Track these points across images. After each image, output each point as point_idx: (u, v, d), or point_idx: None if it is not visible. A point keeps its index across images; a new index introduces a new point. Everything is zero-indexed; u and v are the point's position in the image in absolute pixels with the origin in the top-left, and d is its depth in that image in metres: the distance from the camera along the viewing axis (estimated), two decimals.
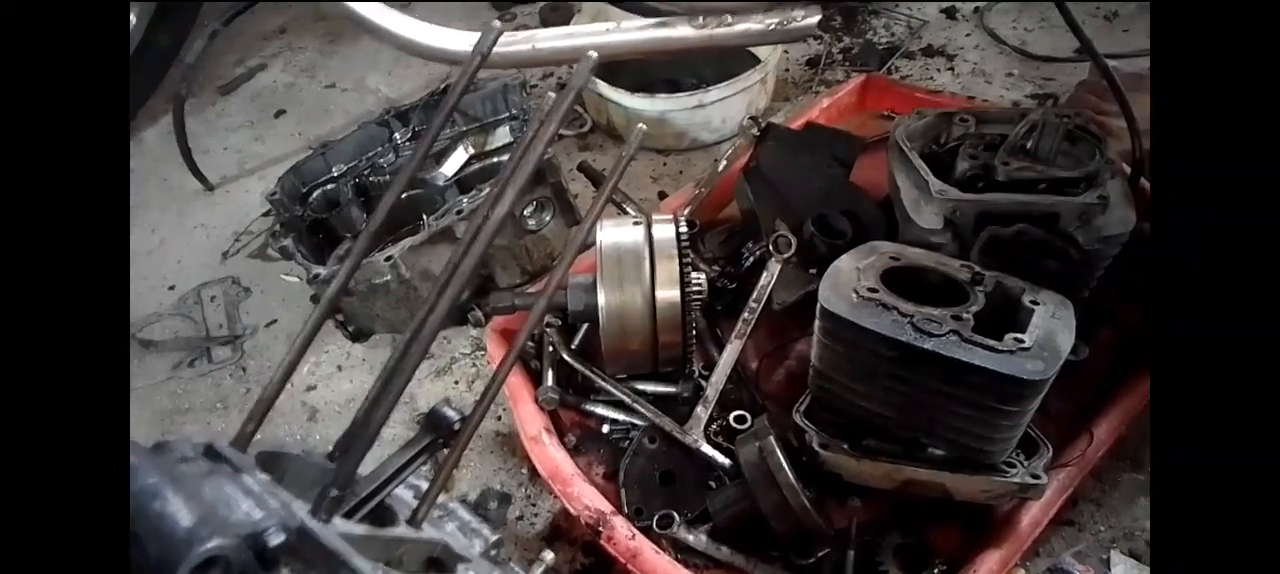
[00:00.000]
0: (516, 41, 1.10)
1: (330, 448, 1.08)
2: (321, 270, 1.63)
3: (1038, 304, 1.22)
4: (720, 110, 2.11)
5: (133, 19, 2.30)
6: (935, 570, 1.23)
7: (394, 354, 0.92)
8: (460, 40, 1.10)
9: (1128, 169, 1.55)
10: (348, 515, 0.93)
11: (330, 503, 0.87)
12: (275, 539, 0.71)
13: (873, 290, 1.22)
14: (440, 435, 1.00)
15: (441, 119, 0.80)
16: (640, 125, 0.93)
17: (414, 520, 0.90)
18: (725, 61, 2.15)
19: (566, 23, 2.47)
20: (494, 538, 0.98)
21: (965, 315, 1.17)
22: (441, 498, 1.06)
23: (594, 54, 0.77)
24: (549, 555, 1.06)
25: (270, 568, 0.70)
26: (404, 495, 1.09)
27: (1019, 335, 1.14)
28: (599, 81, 2.10)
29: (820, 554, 1.28)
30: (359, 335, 1.83)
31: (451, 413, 1.01)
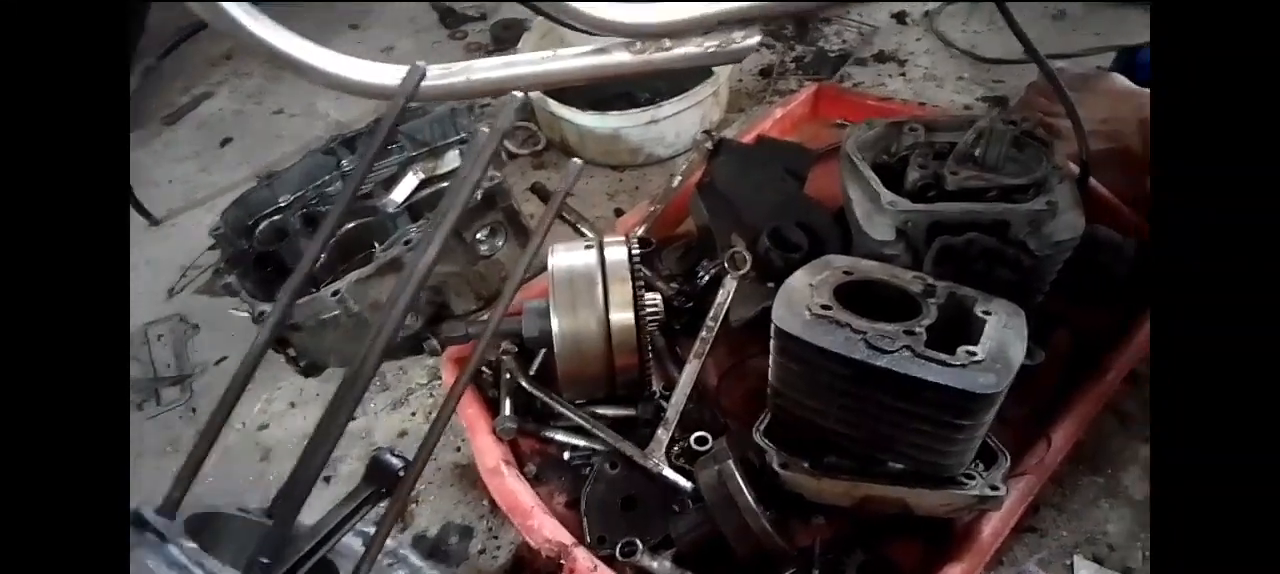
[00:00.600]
0: (452, 74, 1.08)
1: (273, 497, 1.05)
2: (268, 307, 1.57)
3: (990, 314, 1.21)
4: (673, 125, 2.10)
5: None
6: None
7: (326, 412, 0.90)
8: (389, 75, 1.08)
9: (1076, 170, 1.56)
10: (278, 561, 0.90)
11: (260, 570, 0.84)
12: None
13: (826, 307, 1.21)
14: (383, 484, 0.97)
15: (364, 165, 0.77)
16: (575, 160, 0.92)
17: None
18: (678, 76, 2.14)
19: (516, 41, 2.45)
20: None
21: (918, 330, 1.16)
22: (391, 543, 1.03)
23: (519, 94, 0.75)
24: None
25: None
26: (352, 543, 1.05)
27: (971, 348, 1.14)
28: (550, 100, 2.08)
29: None
30: (311, 369, 1.77)
31: (394, 460, 0.99)
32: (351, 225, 1.80)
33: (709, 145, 1.80)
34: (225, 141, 2.54)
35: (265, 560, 0.84)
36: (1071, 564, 1.31)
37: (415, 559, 1.02)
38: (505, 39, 2.57)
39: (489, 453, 1.43)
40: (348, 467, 1.65)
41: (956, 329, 1.22)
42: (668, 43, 1.09)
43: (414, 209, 1.85)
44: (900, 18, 2.57)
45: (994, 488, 1.19)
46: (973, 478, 1.21)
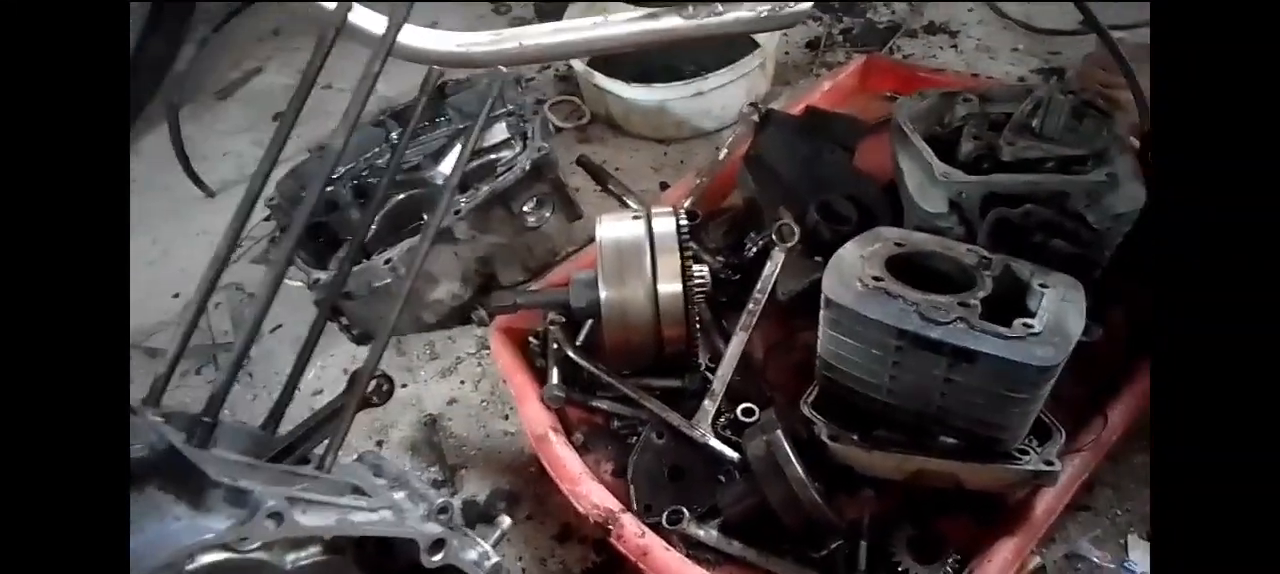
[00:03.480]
0: (504, 40, 1.08)
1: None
2: (322, 275, 1.62)
3: (1047, 287, 1.19)
4: (720, 97, 2.09)
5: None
6: (949, 561, 1.21)
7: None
8: (443, 40, 1.09)
9: (1137, 143, 1.52)
10: (275, 459, 1.00)
11: (202, 430, 0.91)
12: (138, 454, 0.78)
13: (878, 279, 1.20)
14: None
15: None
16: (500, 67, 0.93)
17: (322, 466, 0.95)
18: (724, 48, 2.12)
19: (560, 15, 2.45)
20: (439, 501, 0.99)
21: (973, 302, 1.15)
22: (400, 472, 1.08)
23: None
24: (506, 520, 1.07)
25: (134, 482, 0.76)
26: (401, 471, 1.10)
27: (1028, 320, 1.12)
28: (596, 72, 2.08)
29: (832, 546, 1.27)
30: (363, 339, 1.82)
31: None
32: (401, 197, 1.83)
33: (756, 117, 1.79)
34: (276, 116, 2.58)
35: (208, 419, 0.92)
36: (1125, 544, 1.29)
37: (416, 482, 1.06)
38: (548, 12, 2.57)
39: (537, 420, 1.44)
40: (398, 432, 1.68)
41: (1012, 302, 1.20)
42: (720, 7, 1.08)
43: (462, 180, 1.87)
44: None
45: (1049, 463, 1.17)
46: (1027, 453, 1.20)
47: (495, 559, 1.00)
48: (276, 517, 0.76)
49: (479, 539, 1.02)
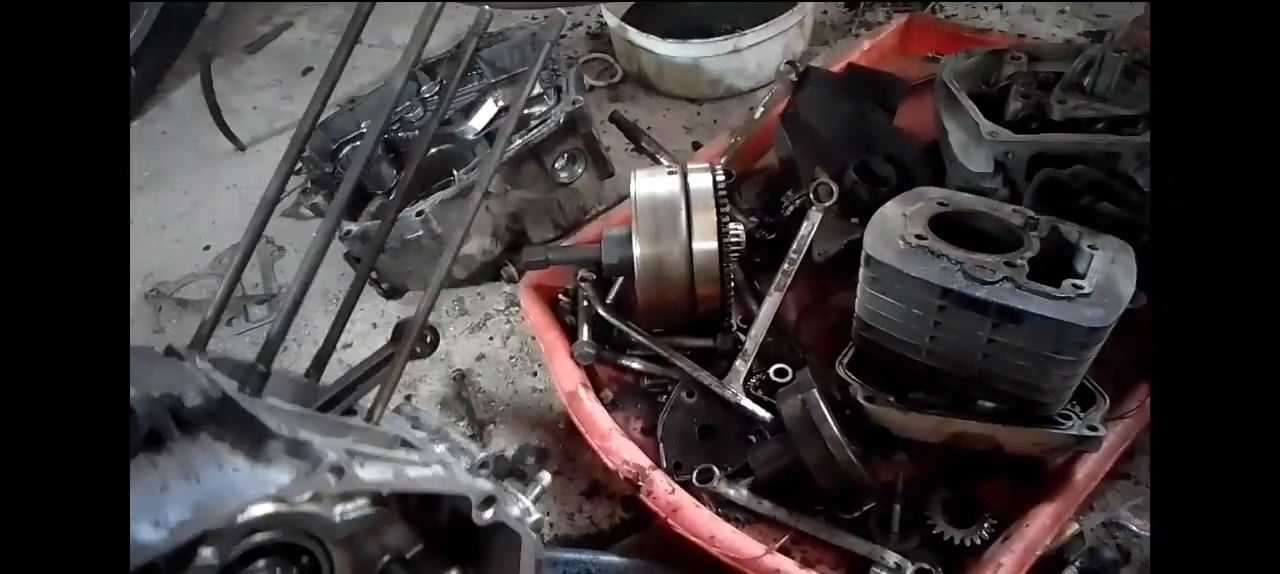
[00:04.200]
0: None
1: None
2: (353, 226, 1.61)
3: (1096, 249, 1.16)
4: (755, 55, 2.04)
5: None
6: (985, 525, 1.19)
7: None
8: None
9: None
10: (323, 408, 0.99)
11: (257, 378, 0.90)
12: (192, 402, 0.75)
13: (921, 237, 1.17)
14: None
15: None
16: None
17: (371, 419, 0.94)
18: (760, 5, 2.07)
19: None
20: (480, 456, 0.98)
21: (1019, 262, 1.12)
22: (439, 425, 1.07)
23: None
24: (546, 476, 1.06)
25: (187, 429, 0.74)
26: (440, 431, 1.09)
27: (1077, 281, 1.09)
28: (629, 29, 2.04)
29: (866, 508, 1.26)
30: (392, 293, 1.82)
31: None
32: (432, 152, 1.82)
33: (793, 76, 1.75)
34: (306, 70, 2.57)
35: (262, 368, 0.91)
36: None
37: (455, 435, 1.05)
38: None
39: (567, 377, 1.44)
40: (428, 387, 1.68)
41: (1059, 264, 1.17)
42: None
43: (492, 135, 1.85)
44: None
45: (1093, 428, 1.15)
46: (1069, 418, 1.17)
47: (536, 515, 1.00)
48: (337, 470, 0.73)
49: (520, 495, 1.01)
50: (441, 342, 1.78)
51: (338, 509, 0.84)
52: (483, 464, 0.96)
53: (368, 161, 1.81)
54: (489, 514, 0.87)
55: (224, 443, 0.75)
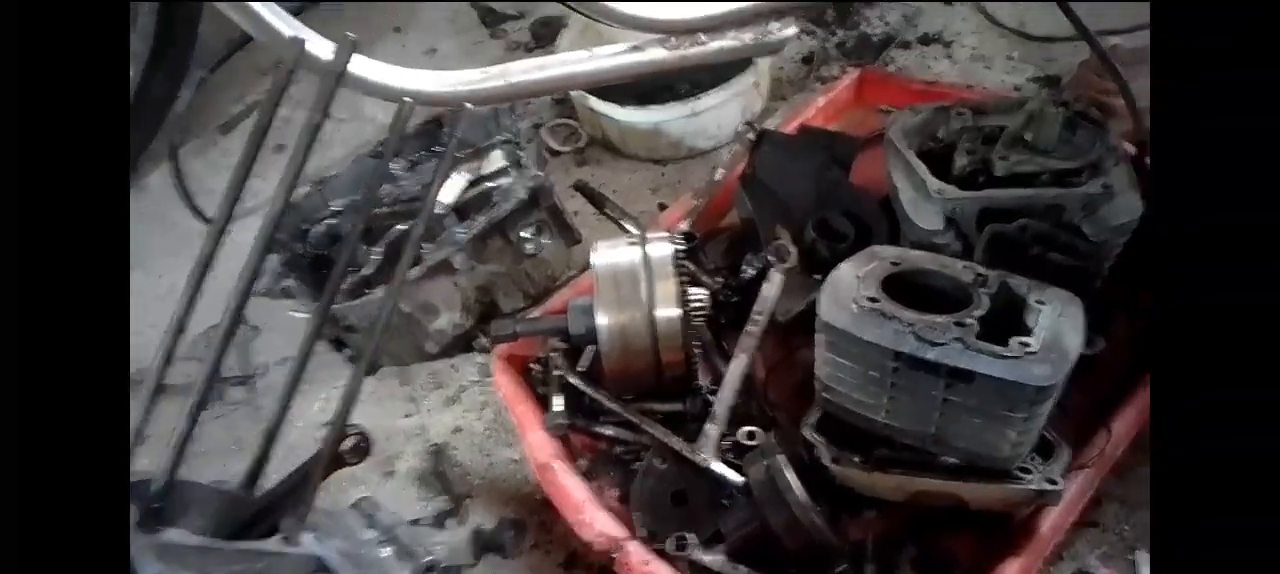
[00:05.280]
0: (491, 77, 1.09)
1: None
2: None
3: (1044, 304, 1.19)
4: (715, 117, 2.10)
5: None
6: None
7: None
8: (429, 81, 1.10)
9: (1132, 150, 1.51)
10: (245, 527, 0.96)
11: (153, 514, 0.89)
12: None
13: (873, 299, 1.20)
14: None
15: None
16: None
17: (290, 539, 0.91)
18: (719, 66, 2.12)
19: (554, 38, 2.46)
20: (426, 561, 0.97)
21: (969, 321, 1.14)
22: (392, 524, 1.06)
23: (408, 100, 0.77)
24: None
25: None
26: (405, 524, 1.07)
27: (1025, 339, 1.11)
28: (590, 97, 2.09)
29: (837, 570, 1.26)
30: (370, 369, 1.83)
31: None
32: (399, 227, 1.85)
33: (751, 137, 1.79)
34: (278, 148, 2.60)
35: (155, 504, 0.91)
36: (1134, 559, 1.28)
37: (405, 537, 1.03)
38: (544, 36, 2.59)
39: (541, 449, 1.45)
40: (405, 463, 1.69)
41: (1010, 320, 1.20)
42: (703, 38, 1.09)
43: (461, 210, 1.88)
44: None
45: (1052, 481, 1.17)
46: (1030, 472, 1.19)
47: None
48: None
49: None
50: (416, 416, 1.80)
51: None
52: (428, 568, 0.96)
53: (337, 239, 1.85)
54: None
55: None
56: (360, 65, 1.08)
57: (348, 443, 1.01)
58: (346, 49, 0.97)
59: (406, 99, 1.03)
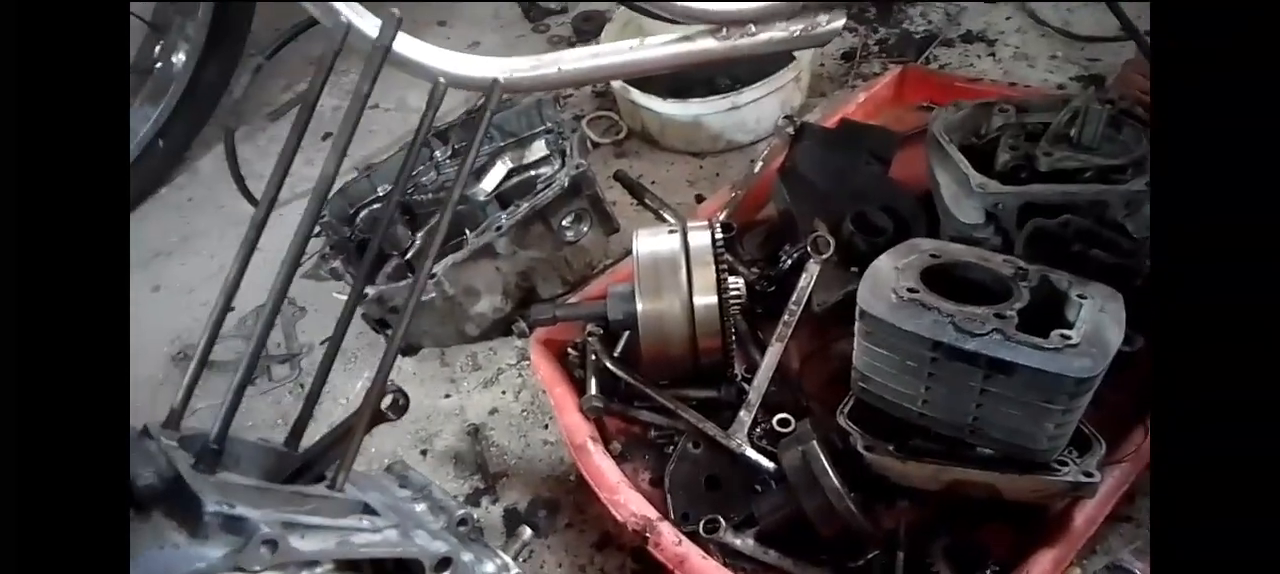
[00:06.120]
0: (542, 66, 1.12)
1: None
2: (371, 289, 1.68)
3: (1085, 298, 1.19)
4: (754, 111, 2.11)
5: (182, 56, 2.40)
6: (987, 571, 1.21)
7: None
8: (484, 66, 1.13)
9: None
10: (289, 480, 1.00)
11: (209, 456, 0.92)
12: (145, 482, 0.79)
13: (913, 290, 1.21)
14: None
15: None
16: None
17: (334, 485, 0.95)
18: (759, 61, 2.13)
19: (597, 32, 2.49)
20: (460, 513, 0.99)
21: (1009, 313, 1.15)
22: (425, 483, 1.09)
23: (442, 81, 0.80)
24: (526, 532, 1.08)
25: (142, 509, 0.77)
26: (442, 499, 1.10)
27: (1066, 331, 1.12)
28: (632, 89, 2.12)
29: (869, 556, 1.28)
30: (408, 350, 1.88)
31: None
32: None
33: (791, 130, 1.81)
34: (326, 136, 2.67)
35: (214, 446, 0.94)
36: None
37: (438, 493, 1.04)
38: (586, 31, 2.62)
39: (577, 430, 1.48)
40: (443, 441, 1.73)
41: (1049, 313, 1.20)
42: (753, 28, 1.11)
43: (503, 197, 1.93)
44: None
45: (1088, 475, 1.17)
46: (1065, 464, 1.19)
47: (515, 571, 1.01)
48: (271, 544, 0.77)
49: (499, 551, 1.03)
50: (455, 397, 1.84)
51: None
52: (461, 521, 0.98)
53: (386, 225, 1.90)
54: None
55: (171, 521, 0.79)
56: (417, 49, 1.12)
57: (387, 400, 1.04)
58: (393, 25, 1.01)
59: (441, 80, 1.07)
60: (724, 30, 1.09)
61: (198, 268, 2.29)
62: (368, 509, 0.93)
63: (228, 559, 0.76)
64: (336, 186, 1.98)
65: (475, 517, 1.00)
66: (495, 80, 1.14)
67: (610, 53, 1.17)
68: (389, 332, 1.84)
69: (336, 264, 1.78)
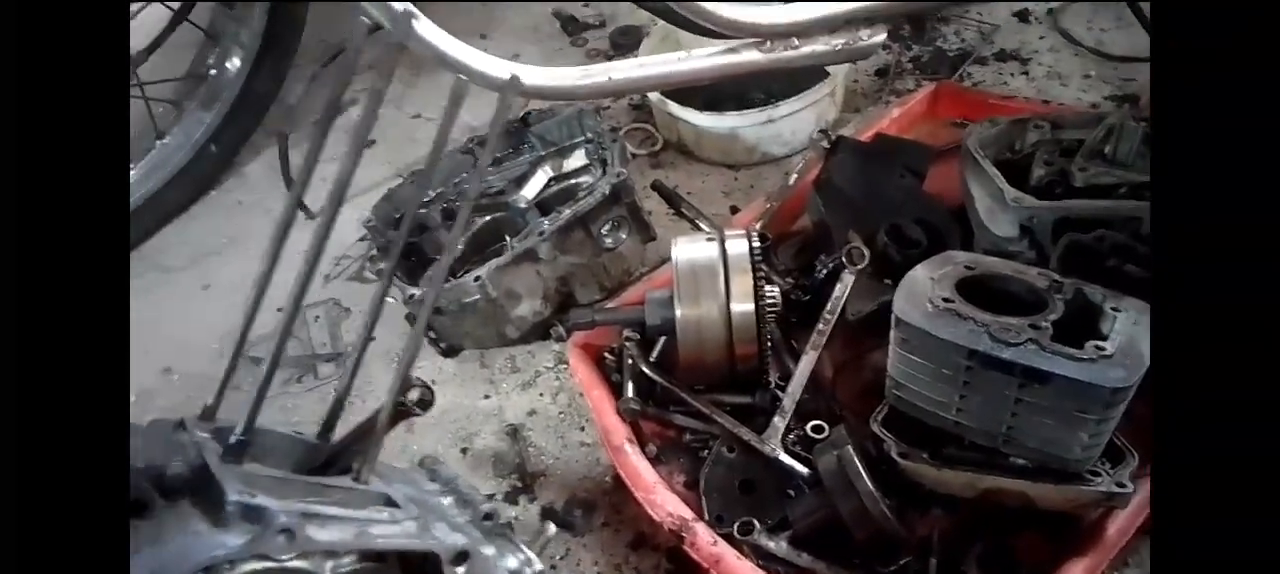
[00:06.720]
0: (593, 74, 1.17)
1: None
2: (416, 291, 1.73)
3: (1119, 311, 1.21)
4: (790, 124, 2.15)
5: (236, 62, 2.49)
6: None
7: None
8: (535, 75, 1.19)
9: None
10: (318, 471, 1.02)
11: (236, 447, 0.95)
12: (175, 471, 0.81)
13: (948, 300, 1.23)
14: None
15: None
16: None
17: (357, 477, 0.97)
18: (794, 75, 2.18)
19: (634, 47, 2.55)
20: (486, 507, 1.00)
21: (1044, 324, 1.17)
22: (452, 477, 1.10)
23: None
24: (551, 529, 1.09)
25: (170, 497, 0.80)
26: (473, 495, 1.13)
27: (1100, 343, 1.14)
28: (669, 101, 2.17)
29: (902, 562, 1.30)
30: (450, 352, 1.93)
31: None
32: (486, 220, 1.96)
33: (826, 143, 1.84)
34: (370, 143, 2.75)
35: (241, 437, 0.97)
36: None
37: (463, 486, 1.04)
38: (624, 45, 2.67)
39: (614, 431, 1.52)
40: (481, 441, 1.78)
41: (1083, 326, 1.22)
42: (796, 41, 1.15)
43: (543, 204, 1.98)
44: (1022, 16, 2.51)
45: (1121, 485, 1.18)
46: (1099, 475, 1.21)
47: (538, 567, 1.02)
48: (288, 533, 0.79)
49: (522, 546, 1.03)
50: (494, 397, 1.89)
51: (329, 565, 0.89)
52: (486, 516, 0.99)
53: (425, 229, 1.96)
54: (460, 570, 0.91)
55: (196, 509, 0.81)
56: (468, 55, 1.18)
57: (413, 395, 1.05)
58: (405, 22, 1.06)
59: (461, 78, 1.11)
60: (768, 43, 1.13)
61: (244, 269, 2.36)
62: (390, 502, 0.94)
63: (247, 547, 0.78)
64: (380, 192, 2.05)
65: (500, 512, 1.02)
66: (512, 77, 1.16)
67: (657, 63, 1.21)
68: (431, 332, 1.90)
69: (381, 268, 1.84)
